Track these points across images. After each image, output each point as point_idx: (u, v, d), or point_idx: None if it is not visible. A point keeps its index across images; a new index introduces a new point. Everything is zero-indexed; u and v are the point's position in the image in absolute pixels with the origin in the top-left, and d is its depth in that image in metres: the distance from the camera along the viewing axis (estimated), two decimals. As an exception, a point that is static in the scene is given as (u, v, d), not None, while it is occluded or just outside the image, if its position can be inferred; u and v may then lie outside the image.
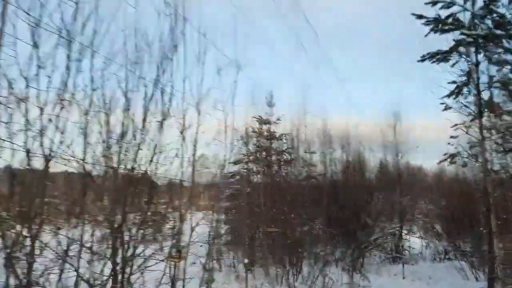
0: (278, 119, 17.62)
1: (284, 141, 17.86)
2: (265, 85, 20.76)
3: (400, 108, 17.84)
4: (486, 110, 8.95)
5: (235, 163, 17.53)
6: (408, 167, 19.39)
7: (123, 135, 4.59)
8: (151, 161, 4.54)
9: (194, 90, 5.52)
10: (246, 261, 9.73)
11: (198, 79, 5.54)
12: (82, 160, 4.25)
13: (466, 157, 9.74)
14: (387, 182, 18.40)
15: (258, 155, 17.23)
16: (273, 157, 17.81)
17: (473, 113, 9.11)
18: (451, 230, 16.19)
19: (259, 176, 17.03)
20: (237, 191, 17.20)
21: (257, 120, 17.46)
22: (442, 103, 9.66)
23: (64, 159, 4.22)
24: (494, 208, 8.68)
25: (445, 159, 10.20)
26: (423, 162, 19.74)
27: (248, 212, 14.13)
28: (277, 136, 17.82)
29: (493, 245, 8.65)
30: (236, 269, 10.64)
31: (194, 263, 7.39)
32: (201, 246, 7.34)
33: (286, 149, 17.82)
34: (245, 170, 17.49)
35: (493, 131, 8.73)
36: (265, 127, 17.92)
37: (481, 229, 12.56)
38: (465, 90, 9.31)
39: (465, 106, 9.27)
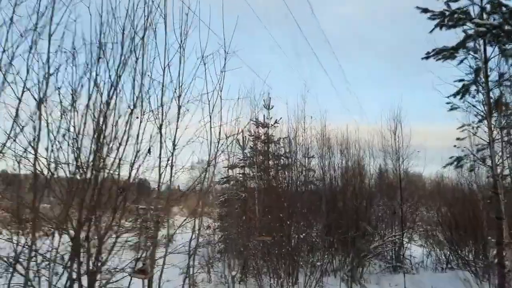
0: (276, 122, 17.14)
1: (282, 145, 17.31)
2: (263, 84, 20.26)
3: (402, 113, 17.16)
4: (495, 109, 8.37)
5: (230, 167, 17.07)
6: (408, 173, 18.94)
7: (94, 132, 3.99)
8: (120, 160, 3.93)
9: (175, 80, 4.87)
10: (234, 273, 9.12)
11: (181, 66, 4.87)
12: (39, 159, 3.66)
13: (473, 161, 9.16)
14: (387, 188, 17.87)
15: (254, 159, 16.66)
16: (270, 162, 17.27)
17: (481, 113, 8.54)
18: (453, 238, 15.66)
19: (255, 181, 16.45)
20: (232, 196, 16.66)
21: (253, 123, 16.94)
22: (448, 103, 9.11)
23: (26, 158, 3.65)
24: (506, 215, 8.08)
25: (451, 163, 9.64)
26: (423, 169, 19.07)
27: (242, 219, 13.55)
28: (275, 140, 17.31)
29: (503, 256, 8.03)
30: (227, 280, 10.00)
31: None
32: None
33: (284, 153, 17.23)
34: (240, 175, 16.94)
35: (504, 132, 8.16)
36: (262, 130, 17.45)
37: (489, 237, 12.04)
38: (473, 88, 8.76)
39: (473, 106, 8.72)
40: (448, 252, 15.71)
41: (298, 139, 16.30)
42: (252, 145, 16.88)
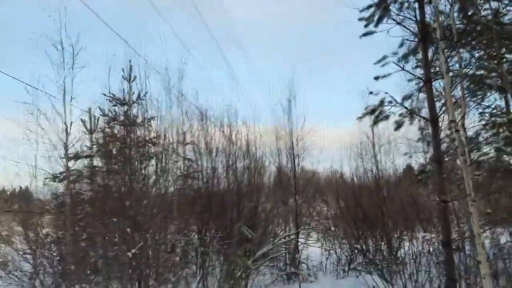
0: (140, 98, 13.09)
1: (151, 128, 13.30)
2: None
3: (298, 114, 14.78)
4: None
5: (73, 157, 12.61)
6: (303, 171, 16.86)
7: None
8: None
9: None
10: None
11: None
12: None
13: (400, 110, 6.56)
14: (284, 186, 15.25)
15: (107, 147, 12.43)
16: (132, 151, 13.17)
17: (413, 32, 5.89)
18: (354, 234, 13.51)
19: (110, 176, 12.20)
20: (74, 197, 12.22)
21: (108, 99, 12.72)
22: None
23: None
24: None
25: (366, 114, 6.98)
26: (317, 166, 17.37)
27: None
28: (139, 121, 13.24)
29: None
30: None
31: None
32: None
33: (152, 138, 13.21)
34: (88, 168, 12.52)
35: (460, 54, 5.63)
36: (121, 109, 13.28)
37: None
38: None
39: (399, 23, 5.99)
40: (350, 251, 13.39)
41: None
42: (104, 128, 12.60)
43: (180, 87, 12.67)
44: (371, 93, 6.96)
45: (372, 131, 15.24)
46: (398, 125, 7.57)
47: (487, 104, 9.55)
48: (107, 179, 11.85)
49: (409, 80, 7.58)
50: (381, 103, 6.96)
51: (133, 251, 6.64)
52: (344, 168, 19.88)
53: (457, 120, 5.40)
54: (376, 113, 7.09)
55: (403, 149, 16.05)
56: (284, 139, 14.40)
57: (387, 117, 7.15)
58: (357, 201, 13.78)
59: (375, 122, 7.26)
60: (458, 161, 8.29)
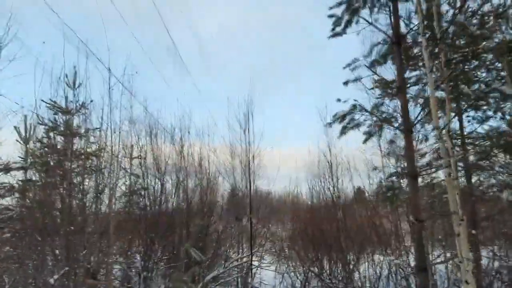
0: (83, 106, 12.02)
1: (93, 139, 12.22)
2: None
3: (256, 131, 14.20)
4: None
5: (4, 169, 11.31)
6: (259, 190, 16.32)
7: None
8: None
9: None
10: None
11: None
12: None
13: (369, 121, 6.14)
14: (238, 205, 14.58)
15: (44, 159, 11.24)
16: (73, 163, 12.00)
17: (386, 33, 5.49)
18: (309, 256, 13.05)
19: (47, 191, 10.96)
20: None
21: (48, 107, 11.58)
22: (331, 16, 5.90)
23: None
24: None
25: (336, 120, 6.50)
26: (274, 186, 16.76)
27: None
28: (81, 132, 12.14)
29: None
30: None
31: None
32: None
33: (95, 151, 12.13)
34: (19, 182, 11.22)
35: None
36: (63, 117, 12.13)
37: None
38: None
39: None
40: (304, 275, 12.84)
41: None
42: (43, 138, 11.42)
43: (130, 97, 11.82)
44: (338, 100, 6.51)
45: (330, 150, 14.98)
46: (369, 135, 7.11)
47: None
48: (42, 194, 10.64)
49: (378, 84, 7.20)
50: (354, 107, 6.51)
51: (55, 277, 5.65)
52: (301, 188, 19.63)
53: (441, 127, 4.98)
54: (346, 121, 6.62)
55: (362, 168, 15.92)
56: (241, 156, 13.79)
57: (357, 125, 6.68)
58: (313, 222, 13.40)
59: (343, 132, 6.73)
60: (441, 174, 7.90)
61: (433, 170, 7.63)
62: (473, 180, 8.83)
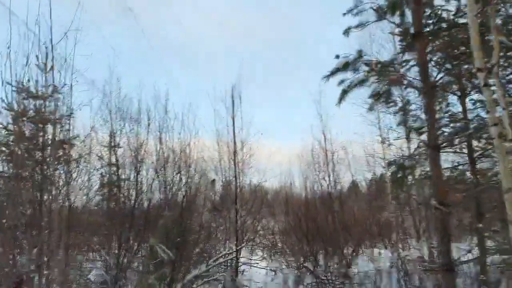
0: (56, 91, 11.03)
1: (69, 128, 11.19)
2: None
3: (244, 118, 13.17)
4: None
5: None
6: (250, 185, 15.43)
7: None
8: None
9: None
10: None
11: None
12: None
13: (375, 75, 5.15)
14: (225, 197, 13.70)
15: (11, 148, 10.26)
16: (44, 153, 11.01)
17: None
18: (303, 250, 12.23)
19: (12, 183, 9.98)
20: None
21: (15, 90, 10.57)
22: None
23: None
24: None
25: (337, 70, 5.50)
26: (265, 177, 15.73)
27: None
28: (55, 119, 11.13)
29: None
30: None
31: None
32: None
33: (70, 139, 11.11)
34: (-18, 172, 10.24)
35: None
36: (33, 102, 11.13)
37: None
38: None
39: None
40: (298, 270, 12.00)
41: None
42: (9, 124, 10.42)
43: (110, 81, 10.82)
44: (337, 57, 5.40)
45: (324, 136, 14.03)
46: (378, 96, 5.90)
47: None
48: (9, 187, 9.65)
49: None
50: (359, 54, 5.36)
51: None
52: (294, 180, 18.71)
53: (487, 67, 3.64)
54: (346, 84, 5.44)
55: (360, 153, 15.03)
56: (228, 145, 12.82)
57: (362, 82, 5.50)
58: (308, 214, 12.54)
59: (346, 92, 5.49)
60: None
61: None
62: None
